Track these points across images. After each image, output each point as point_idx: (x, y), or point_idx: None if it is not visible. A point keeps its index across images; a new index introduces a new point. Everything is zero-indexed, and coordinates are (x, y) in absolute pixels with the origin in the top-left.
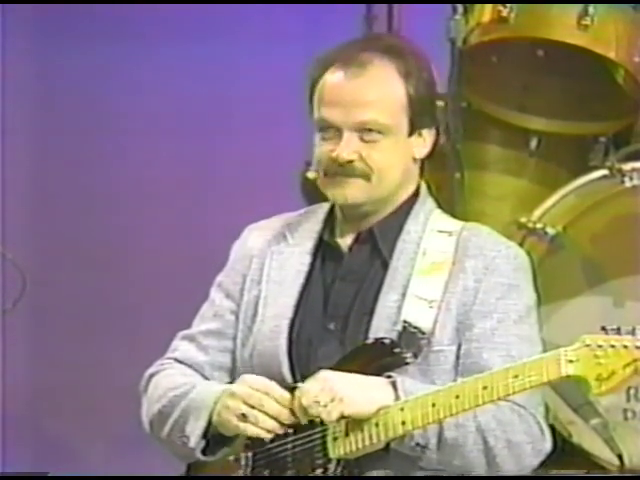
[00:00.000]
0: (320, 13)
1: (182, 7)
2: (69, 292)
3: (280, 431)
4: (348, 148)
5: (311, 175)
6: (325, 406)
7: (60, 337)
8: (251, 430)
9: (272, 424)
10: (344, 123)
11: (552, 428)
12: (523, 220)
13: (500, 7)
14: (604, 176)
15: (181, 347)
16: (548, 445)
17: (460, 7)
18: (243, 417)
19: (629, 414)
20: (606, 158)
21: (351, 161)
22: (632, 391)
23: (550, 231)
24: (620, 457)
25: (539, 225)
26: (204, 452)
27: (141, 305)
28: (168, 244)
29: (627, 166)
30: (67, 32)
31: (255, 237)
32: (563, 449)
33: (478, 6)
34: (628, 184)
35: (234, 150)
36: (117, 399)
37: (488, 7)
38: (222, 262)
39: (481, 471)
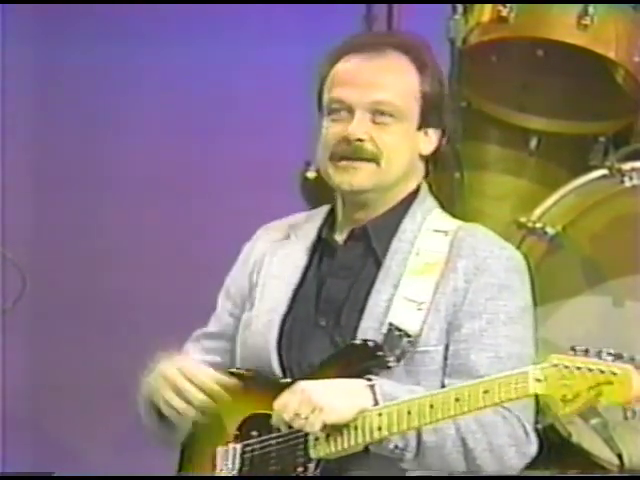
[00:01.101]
0: (320, 13)
1: (182, 7)
2: (69, 292)
3: (193, 414)
4: (360, 127)
5: (311, 175)
6: (307, 418)
7: (60, 337)
8: (170, 414)
9: (185, 408)
10: (358, 102)
11: (552, 428)
12: (523, 220)
13: (500, 7)
14: (604, 176)
15: (186, 348)
16: (534, 448)
17: (460, 7)
18: (166, 401)
19: (629, 414)
20: (606, 158)
21: (361, 140)
22: None
23: (550, 231)
24: (620, 456)
25: (539, 225)
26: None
27: (141, 305)
28: (168, 244)
29: (627, 166)
30: (67, 32)
31: (263, 240)
32: (563, 449)
33: (478, 6)
34: (628, 184)
35: (234, 150)
36: (117, 399)
37: (488, 7)
38: (222, 262)
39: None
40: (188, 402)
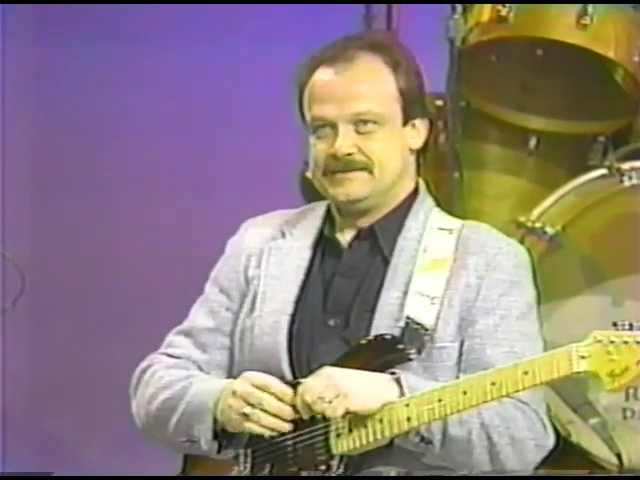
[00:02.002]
0: (320, 13)
1: (182, 7)
2: (69, 292)
3: (283, 428)
4: (346, 141)
5: (310, 175)
6: (330, 402)
7: (60, 336)
8: (253, 428)
9: (274, 422)
10: (339, 117)
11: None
12: (522, 219)
13: (499, 6)
14: (603, 175)
15: (176, 342)
16: (551, 441)
17: (459, 6)
18: (245, 416)
19: (628, 413)
20: (605, 157)
21: (350, 154)
22: (631, 390)
23: (549, 230)
24: (619, 456)
25: (538, 224)
26: (218, 450)
27: (141, 304)
28: (168, 243)
29: (626, 165)
30: (67, 32)
31: (252, 234)
32: (563, 449)
33: (477, 5)
34: (627, 183)
35: (234, 150)
36: (117, 399)
37: (487, 6)
38: None
39: (484, 467)
40: (276, 416)
